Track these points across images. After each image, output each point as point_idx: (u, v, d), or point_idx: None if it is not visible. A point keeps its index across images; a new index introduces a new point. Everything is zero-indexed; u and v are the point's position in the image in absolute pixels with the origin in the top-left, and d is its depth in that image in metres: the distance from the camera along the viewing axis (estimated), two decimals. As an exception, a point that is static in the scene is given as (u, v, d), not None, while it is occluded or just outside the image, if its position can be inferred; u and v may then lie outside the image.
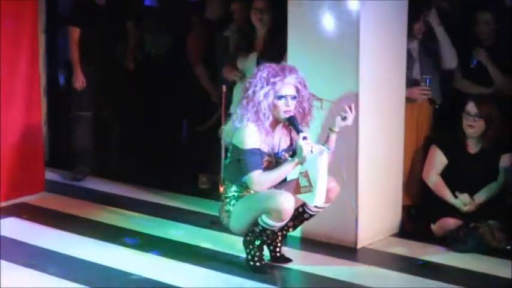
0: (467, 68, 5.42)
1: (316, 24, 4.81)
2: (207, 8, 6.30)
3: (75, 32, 6.36)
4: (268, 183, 4.22)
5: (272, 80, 4.22)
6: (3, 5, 5.52)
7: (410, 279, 4.33)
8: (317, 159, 4.08)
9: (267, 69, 4.26)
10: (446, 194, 5.00)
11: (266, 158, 4.27)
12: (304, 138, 4.15)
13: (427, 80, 5.23)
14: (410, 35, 5.19)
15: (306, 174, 4.12)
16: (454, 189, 4.99)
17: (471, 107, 4.97)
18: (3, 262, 4.46)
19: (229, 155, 4.39)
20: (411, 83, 5.24)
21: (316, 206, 4.34)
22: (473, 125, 4.96)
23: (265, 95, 4.21)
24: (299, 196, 4.20)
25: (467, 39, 5.48)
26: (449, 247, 4.78)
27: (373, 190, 4.90)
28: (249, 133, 4.20)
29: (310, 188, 4.12)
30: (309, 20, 4.84)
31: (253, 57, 5.41)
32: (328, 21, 4.77)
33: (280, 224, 4.23)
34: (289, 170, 4.24)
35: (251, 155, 4.18)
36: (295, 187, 4.22)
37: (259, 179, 4.18)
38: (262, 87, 4.21)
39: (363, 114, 4.73)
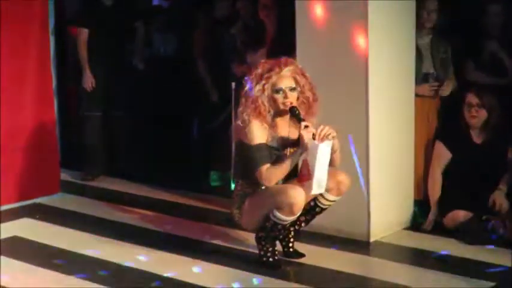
0: (480, 60, 5.42)
1: (324, 20, 4.82)
2: (215, 7, 6.31)
3: (83, 33, 6.38)
4: (276, 176, 4.22)
5: (266, 75, 4.23)
6: (14, 8, 5.55)
7: (423, 272, 4.33)
8: (318, 147, 4.07)
9: (261, 65, 4.30)
10: (433, 200, 5.03)
11: (275, 152, 4.28)
12: (306, 127, 4.15)
13: (434, 75, 5.25)
14: (421, 29, 5.22)
15: (305, 163, 4.12)
16: (463, 179, 4.98)
17: (472, 98, 4.98)
18: (19, 263, 4.49)
19: (237, 152, 4.42)
20: (422, 79, 5.26)
21: (327, 199, 4.36)
22: (475, 115, 4.98)
23: (261, 90, 4.22)
24: (302, 184, 4.16)
25: (476, 31, 5.48)
26: (461, 240, 4.78)
27: (385, 184, 4.90)
28: (254, 129, 4.21)
29: (308, 176, 4.12)
30: (317, 16, 4.84)
31: (262, 53, 5.42)
32: (336, 17, 4.77)
33: (291, 218, 4.24)
34: (295, 161, 4.23)
35: (258, 151, 4.19)
36: (298, 177, 4.21)
37: (267, 174, 4.18)
38: (257, 83, 4.24)
39: (373, 108, 4.74)
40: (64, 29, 7.17)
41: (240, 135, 4.30)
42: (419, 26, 5.20)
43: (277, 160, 4.26)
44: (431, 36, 5.34)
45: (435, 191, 5.09)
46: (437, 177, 5.09)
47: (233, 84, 5.46)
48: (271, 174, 4.20)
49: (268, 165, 4.20)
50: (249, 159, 4.23)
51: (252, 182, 4.32)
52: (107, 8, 6.43)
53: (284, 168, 4.22)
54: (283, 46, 5.01)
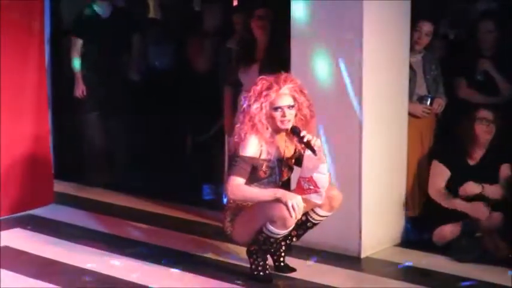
0: (472, 78, 5.43)
1: (319, 35, 4.85)
2: (205, 20, 6.32)
3: (76, 42, 6.42)
4: (241, 194, 4.20)
5: (265, 92, 4.23)
6: (11, 18, 5.57)
7: (413, 288, 4.36)
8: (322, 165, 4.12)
9: (260, 82, 4.28)
10: (458, 204, 4.92)
11: (266, 164, 4.28)
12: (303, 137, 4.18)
13: (429, 99, 5.29)
14: (413, 47, 5.25)
15: (309, 179, 4.13)
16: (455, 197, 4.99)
17: (486, 113, 4.93)
18: (10, 273, 4.49)
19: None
20: (415, 97, 5.29)
21: (319, 215, 4.38)
22: (490, 131, 4.93)
23: (259, 108, 4.23)
24: (305, 196, 4.16)
25: (469, 49, 5.50)
26: (452, 256, 4.80)
27: (376, 200, 4.92)
28: (250, 142, 4.22)
29: (316, 189, 4.12)
30: (312, 31, 4.88)
31: (255, 69, 5.40)
32: (331, 32, 4.80)
33: (284, 232, 4.25)
34: (265, 196, 4.17)
35: (241, 161, 4.19)
36: (297, 190, 4.21)
37: (235, 186, 4.17)
38: (256, 101, 4.24)
39: (366, 124, 4.77)
40: (60, 38, 7.19)
41: (235, 149, 4.30)
42: (412, 45, 5.23)
43: (271, 174, 4.29)
44: (423, 54, 5.38)
45: (453, 202, 4.93)
46: (442, 193, 4.99)
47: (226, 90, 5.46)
48: (238, 189, 4.18)
49: (241, 179, 4.18)
50: (231, 165, 4.24)
51: None
52: (103, 20, 6.46)
53: (253, 194, 4.20)
54: (276, 60, 5.01)
